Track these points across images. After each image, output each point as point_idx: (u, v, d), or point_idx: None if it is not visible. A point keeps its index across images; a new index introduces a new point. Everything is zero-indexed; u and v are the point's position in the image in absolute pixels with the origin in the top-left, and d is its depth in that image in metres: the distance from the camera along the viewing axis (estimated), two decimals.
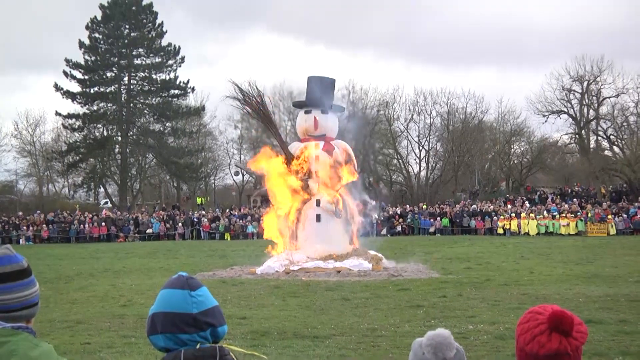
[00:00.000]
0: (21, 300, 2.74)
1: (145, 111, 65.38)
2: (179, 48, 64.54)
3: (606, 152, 63.31)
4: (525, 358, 2.57)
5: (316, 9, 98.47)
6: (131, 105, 64.21)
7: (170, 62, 64.46)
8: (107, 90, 63.88)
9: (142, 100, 65.14)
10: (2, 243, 43.32)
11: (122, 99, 63.46)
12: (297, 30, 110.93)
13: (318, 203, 24.54)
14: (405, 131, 65.61)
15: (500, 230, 44.49)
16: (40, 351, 2.66)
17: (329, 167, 24.81)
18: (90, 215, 50.31)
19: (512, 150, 67.03)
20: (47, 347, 2.71)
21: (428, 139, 65.44)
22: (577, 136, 63.55)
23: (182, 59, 64.85)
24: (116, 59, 63.50)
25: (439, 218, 47.54)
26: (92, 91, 63.69)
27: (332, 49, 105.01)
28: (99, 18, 63.27)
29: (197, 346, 2.56)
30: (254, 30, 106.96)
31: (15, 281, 2.72)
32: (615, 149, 62.05)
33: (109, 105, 64.07)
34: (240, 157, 69.65)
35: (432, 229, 46.71)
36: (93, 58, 63.41)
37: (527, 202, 48.67)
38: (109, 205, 63.47)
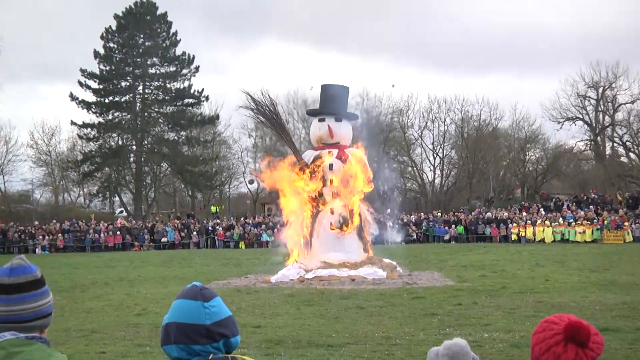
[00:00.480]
0: (35, 311, 2.75)
1: (160, 120, 65.53)
2: (193, 57, 64.82)
3: (622, 159, 62.95)
4: None
5: (328, 15, 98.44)
6: (146, 114, 64.43)
7: (184, 71, 64.69)
8: (122, 100, 64.13)
9: (156, 109, 65.32)
10: (18, 252, 43.60)
11: (137, 108, 63.70)
12: (309, 38, 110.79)
13: (332, 212, 24.53)
14: (420, 139, 65.62)
15: (515, 237, 44.34)
16: None
17: (343, 175, 24.79)
18: (106, 224, 50.56)
19: (527, 157, 66.78)
20: (60, 357, 2.72)
21: (442, 146, 65.44)
22: (592, 143, 63.07)
23: (197, 68, 65.04)
24: (131, 68, 63.80)
25: (453, 225, 47.45)
26: (107, 101, 63.89)
27: (345, 55, 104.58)
28: (113, 28, 63.63)
29: (210, 357, 2.58)
30: (267, 37, 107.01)
31: (29, 291, 2.74)
32: (632, 155, 61.71)
33: (123, 114, 64.30)
34: (254, 166, 69.71)
35: (447, 237, 46.62)
36: (108, 68, 63.75)
37: (542, 209, 48.47)
38: (124, 214, 63.61)
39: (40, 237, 47.73)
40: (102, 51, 63.43)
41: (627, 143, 61.36)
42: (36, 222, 51.76)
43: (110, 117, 64.05)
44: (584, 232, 42.79)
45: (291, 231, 25.02)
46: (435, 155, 65.53)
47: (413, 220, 48.92)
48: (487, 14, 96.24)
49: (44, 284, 2.81)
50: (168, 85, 64.63)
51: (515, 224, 45.33)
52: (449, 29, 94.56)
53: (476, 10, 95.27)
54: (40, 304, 2.77)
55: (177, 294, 2.71)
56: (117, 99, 64.15)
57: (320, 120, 25.82)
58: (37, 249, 46.45)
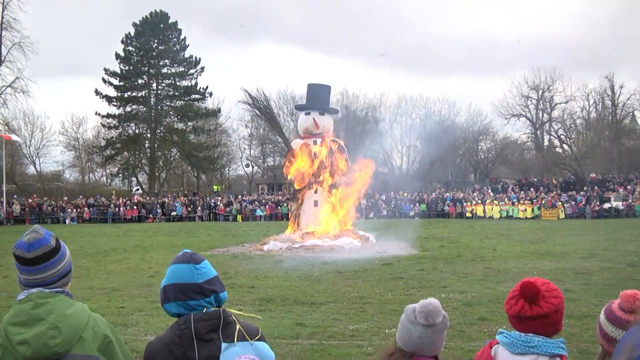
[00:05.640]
0: (55, 274, 2.76)
1: (170, 112, 65.03)
2: (199, 59, 64.40)
3: (557, 149, 63.45)
4: (508, 317, 2.81)
5: (316, 21, 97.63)
6: (158, 107, 63.87)
7: (191, 71, 64.29)
8: (139, 95, 63.64)
9: (167, 104, 64.80)
10: (51, 223, 43.34)
11: (151, 102, 63.15)
12: (298, 41, 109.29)
13: (316, 191, 24.56)
14: (390, 130, 65.60)
15: (469, 214, 44.54)
16: (74, 309, 2.69)
17: (326, 159, 24.78)
18: (124, 199, 50.27)
19: (479, 147, 67.01)
20: (81, 306, 2.74)
21: (409, 137, 65.43)
22: (533, 136, 63.54)
23: (202, 68, 64.64)
24: (146, 68, 63.21)
25: (417, 204, 47.55)
26: (126, 95, 63.46)
27: (328, 57, 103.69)
28: (132, 34, 63.22)
29: (204, 310, 2.59)
30: (262, 42, 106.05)
31: (48, 261, 2.73)
32: (565, 146, 62.23)
33: (140, 107, 63.79)
34: (250, 152, 69.66)
35: (412, 213, 46.72)
36: (127, 67, 63.22)
37: (491, 191, 48.70)
38: (140, 191, 63.36)
39: (69, 210, 47.34)
40: (122, 53, 62.92)
41: (562, 136, 61.89)
42: (66, 198, 51.41)
43: (128, 109, 63.60)
44: (526, 210, 43.08)
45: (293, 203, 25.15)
46: (402, 144, 65.62)
47: (384, 199, 48.96)
48: (450, 25, 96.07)
49: (59, 249, 2.79)
50: (178, 83, 64.13)
51: (469, 203, 45.53)
52: (417, 39, 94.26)
53: (440, 22, 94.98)
54: (59, 268, 2.77)
55: (170, 261, 2.71)
56: (134, 94, 63.67)
57: (306, 114, 25.80)
58: (66, 220, 46.11)
